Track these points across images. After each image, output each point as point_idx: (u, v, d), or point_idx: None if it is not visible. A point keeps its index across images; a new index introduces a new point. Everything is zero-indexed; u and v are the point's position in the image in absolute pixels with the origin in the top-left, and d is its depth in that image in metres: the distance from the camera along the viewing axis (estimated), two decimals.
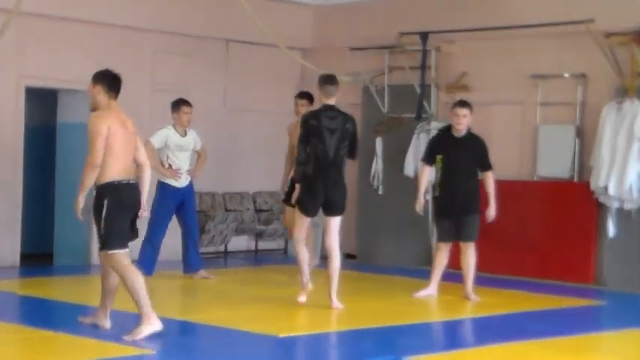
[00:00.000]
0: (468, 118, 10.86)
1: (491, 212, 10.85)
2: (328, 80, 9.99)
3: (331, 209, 9.95)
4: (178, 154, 11.70)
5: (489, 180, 10.90)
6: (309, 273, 10.12)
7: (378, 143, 14.45)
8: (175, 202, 11.73)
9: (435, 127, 13.72)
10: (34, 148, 13.78)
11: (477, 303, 10.73)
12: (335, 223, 10.00)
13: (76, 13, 13.02)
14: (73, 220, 13.13)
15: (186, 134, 11.80)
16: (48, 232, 13.81)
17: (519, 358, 8.16)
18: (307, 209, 9.97)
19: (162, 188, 11.69)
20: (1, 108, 12.69)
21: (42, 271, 12.73)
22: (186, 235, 11.94)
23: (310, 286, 10.14)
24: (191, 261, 11.97)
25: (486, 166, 10.94)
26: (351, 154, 10.03)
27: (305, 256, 10.06)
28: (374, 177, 14.51)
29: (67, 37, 13.10)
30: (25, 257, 13.04)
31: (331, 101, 9.95)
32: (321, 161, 9.79)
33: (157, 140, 11.56)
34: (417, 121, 13.93)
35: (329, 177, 9.81)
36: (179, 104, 11.79)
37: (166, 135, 11.62)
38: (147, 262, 11.46)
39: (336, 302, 9.87)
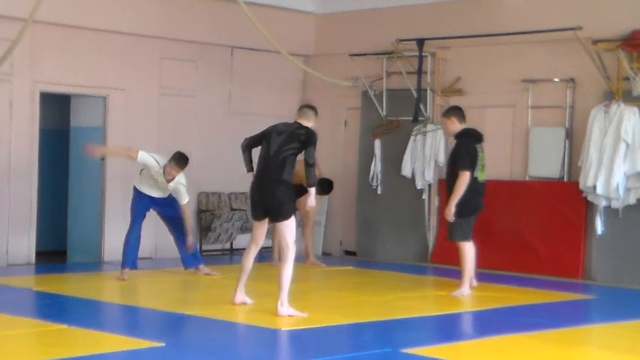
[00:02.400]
0: (448, 125, 11.12)
1: (447, 210, 10.88)
2: (303, 105, 9.91)
3: (269, 215, 9.47)
4: (152, 183, 11.53)
5: (458, 179, 10.81)
6: (244, 275, 9.78)
7: (377, 145, 14.59)
8: (147, 201, 11.68)
9: (431, 129, 13.96)
10: (49, 150, 13.88)
11: (464, 297, 10.83)
12: (280, 228, 9.47)
13: (87, 22, 13.21)
14: (86, 218, 13.75)
15: (171, 180, 11.48)
16: (62, 230, 13.96)
17: (513, 349, 8.19)
18: (251, 208, 9.83)
19: (135, 189, 11.72)
20: (17, 112, 12.84)
21: (56, 268, 12.82)
22: (174, 236, 12.01)
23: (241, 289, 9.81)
24: (185, 259, 12.06)
25: (457, 165, 10.89)
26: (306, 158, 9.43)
27: (248, 256, 9.76)
28: (373, 177, 14.64)
29: (79, 44, 13.27)
30: (40, 254, 13.14)
31: (302, 121, 9.60)
32: (262, 160, 9.52)
33: (142, 155, 11.34)
34: (414, 124, 14.07)
35: (268, 176, 9.41)
36: (170, 160, 11.41)
37: (151, 163, 11.36)
38: (130, 254, 11.57)
39: (279, 309, 9.26)
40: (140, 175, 11.74)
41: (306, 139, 9.42)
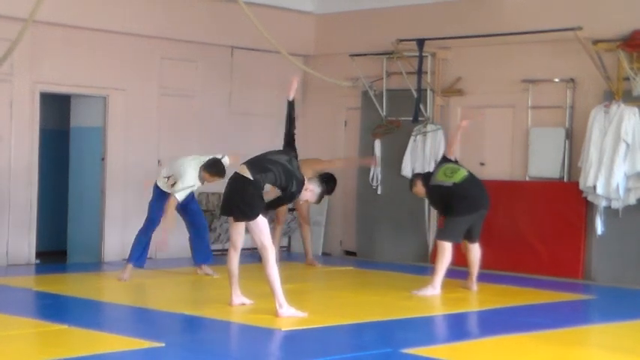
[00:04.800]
0: (418, 190, 11.57)
1: None
2: (320, 177, 10.03)
3: (233, 212, 9.37)
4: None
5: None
6: (234, 279, 9.76)
7: (377, 145, 14.60)
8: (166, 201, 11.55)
9: (431, 129, 13.97)
10: (49, 150, 13.90)
11: (430, 297, 10.82)
12: (250, 230, 9.34)
13: (87, 22, 13.23)
14: (86, 219, 13.78)
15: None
16: (62, 230, 14.00)
17: (513, 349, 8.22)
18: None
19: (155, 187, 11.66)
20: (17, 112, 12.88)
21: (56, 268, 12.86)
22: (191, 231, 12.03)
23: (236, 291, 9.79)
24: (198, 253, 12.07)
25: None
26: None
27: (231, 261, 9.70)
28: (373, 177, 14.66)
29: (79, 44, 13.29)
30: (40, 255, 13.18)
31: (306, 179, 9.62)
32: (253, 158, 9.53)
33: (181, 196, 11.17)
34: (414, 124, 14.08)
35: (241, 175, 9.29)
36: (206, 168, 11.26)
37: (191, 190, 11.34)
38: (139, 253, 11.53)
39: (279, 310, 9.17)
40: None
41: (290, 190, 9.36)
